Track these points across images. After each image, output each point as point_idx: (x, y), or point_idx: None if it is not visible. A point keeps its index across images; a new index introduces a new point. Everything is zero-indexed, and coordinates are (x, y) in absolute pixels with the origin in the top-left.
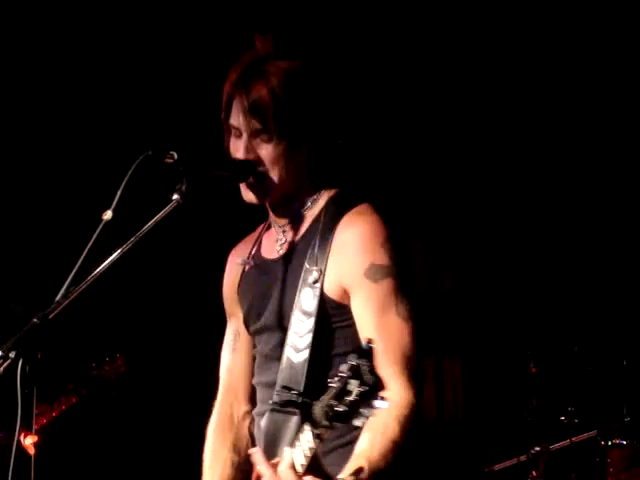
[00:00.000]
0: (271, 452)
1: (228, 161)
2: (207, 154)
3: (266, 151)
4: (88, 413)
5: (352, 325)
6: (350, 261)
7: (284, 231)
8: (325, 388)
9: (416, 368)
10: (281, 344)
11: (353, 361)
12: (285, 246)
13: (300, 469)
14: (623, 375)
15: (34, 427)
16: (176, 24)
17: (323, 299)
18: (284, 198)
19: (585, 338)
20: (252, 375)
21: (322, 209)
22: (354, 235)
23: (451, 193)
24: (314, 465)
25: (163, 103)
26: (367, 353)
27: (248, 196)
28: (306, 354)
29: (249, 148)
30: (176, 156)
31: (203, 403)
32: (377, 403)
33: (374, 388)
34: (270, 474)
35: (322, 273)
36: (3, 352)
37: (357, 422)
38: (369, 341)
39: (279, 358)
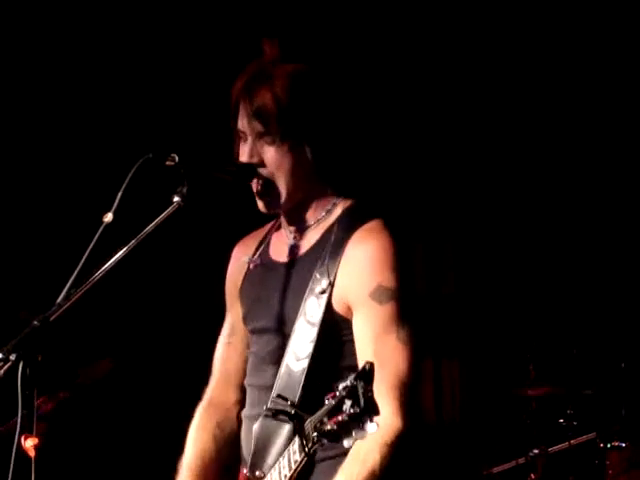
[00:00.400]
0: (260, 458)
1: (230, 164)
2: (208, 156)
3: (269, 154)
4: (87, 414)
5: (353, 340)
6: (358, 279)
7: (295, 237)
8: (320, 401)
9: (410, 394)
10: (280, 348)
11: (350, 381)
12: (295, 251)
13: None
14: (622, 377)
15: (35, 429)
16: (178, 26)
17: (328, 310)
18: (298, 205)
19: (584, 340)
20: (244, 369)
21: (336, 220)
22: (365, 253)
23: (451, 196)
24: (298, 478)
25: (164, 106)
26: (366, 375)
27: (260, 204)
28: (305, 363)
29: (253, 151)
30: (177, 158)
31: (194, 403)
32: (368, 427)
33: (367, 411)
34: None
35: (330, 285)
36: (4, 355)
37: (345, 443)
38: (370, 363)
39: (276, 363)
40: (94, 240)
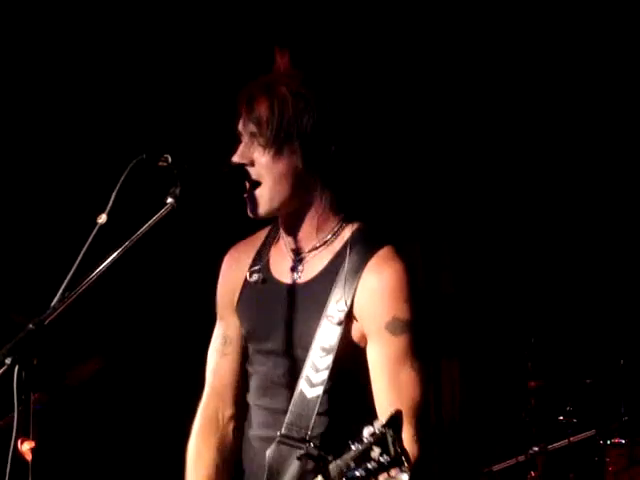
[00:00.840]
0: None
1: (222, 165)
2: (201, 157)
3: (260, 155)
4: (78, 415)
5: (366, 368)
6: (374, 310)
7: (301, 259)
8: (334, 428)
9: (425, 421)
10: (291, 372)
11: (378, 428)
12: (303, 275)
13: None
14: (621, 374)
15: (31, 432)
16: (172, 28)
17: (344, 338)
18: (297, 221)
19: (582, 337)
20: (240, 381)
21: (346, 245)
22: (380, 283)
23: (448, 196)
24: None
25: (157, 107)
26: (395, 423)
27: (249, 209)
28: (320, 390)
29: (245, 152)
30: (170, 159)
31: (188, 404)
32: (399, 476)
33: (398, 461)
34: None
35: (347, 313)
36: None
37: None
38: (398, 411)
39: (289, 387)
40: (88, 242)
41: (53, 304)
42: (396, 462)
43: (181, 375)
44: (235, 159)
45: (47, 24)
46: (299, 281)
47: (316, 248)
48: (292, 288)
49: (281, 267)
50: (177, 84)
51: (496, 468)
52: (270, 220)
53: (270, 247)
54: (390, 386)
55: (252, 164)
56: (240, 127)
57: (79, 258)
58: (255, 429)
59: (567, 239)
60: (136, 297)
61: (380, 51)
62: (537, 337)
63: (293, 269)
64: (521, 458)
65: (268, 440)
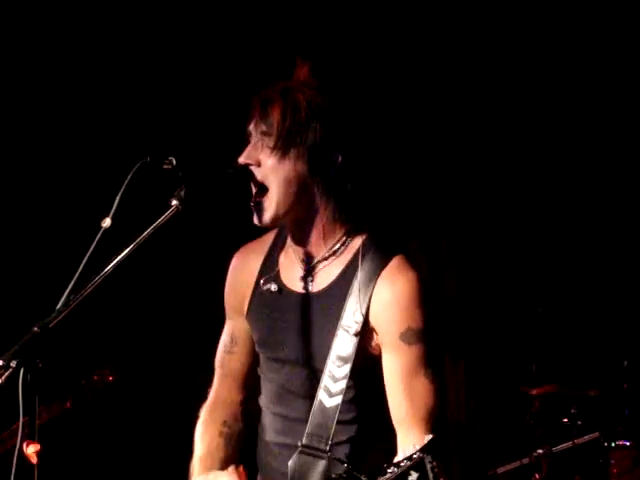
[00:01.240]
0: None
1: (227, 167)
2: (206, 159)
3: (266, 156)
4: (88, 422)
5: (382, 376)
6: (388, 321)
7: (312, 268)
8: (355, 436)
9: (439, 426)
10: (308, 382)
11: (416, 453)
12: (315, 285)
13: None
14: (624, 376)
15: (36, 436)
16: (176, 30)
17: (360, 348)
18: (304, 230)
19: (587, 340)
20: (247, 375)
21: (357, 254)
22: (394, 295)
23: (451, 198)
24: None
25: (162, 110)
26: (432, 449)
27: (255, 217)
28: (339, 399)
29: (252, 152)
30: (174, 162)
31: (194, 410)
32: None
33: None
34: None
35: (362, 324)
36: (4, 361)
37: None
38: (435, 438)
39: (306, 396)
40: (93, 245)
41: (58, 307)
42: None
43: (186, 378)
44: (241, 160)
45: (51, 28)
46: (312, 290)
47: (326, 258)
48: (305, 298)
49: (292, 276)
50: (182, 87)
51: (501, 470)
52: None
53: (279, 254)
54: (405, 395)
55: (258, 165)
56: (251, 127)
57: (84, 262)
58: (272, 435)
59: (570, 241)
60: (141, 300)
61: (384, 59)
62: (541, 340)
63: (304, 278)
64: (526, 460)
65: (286, 447)
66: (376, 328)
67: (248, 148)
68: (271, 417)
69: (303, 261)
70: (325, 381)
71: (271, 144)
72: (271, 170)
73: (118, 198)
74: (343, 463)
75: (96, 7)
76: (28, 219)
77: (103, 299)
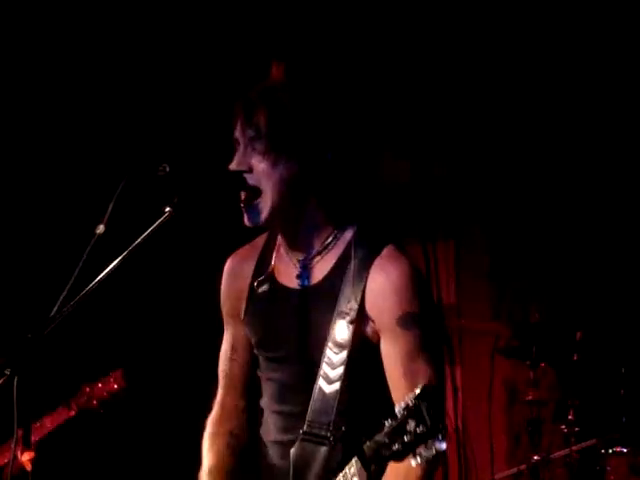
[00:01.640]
0: None
1: (219, 173)
2: (199, 166)
3: (258, 161)
4: (86, 427)
5: (381, 361)
6: (384, 308)
7: (304, 265)
8: (355, 420)
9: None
10: (308, 376)
11: (411, 401)
12: (309, 279)
13: None
14: (622, 383)
15: (31, 443)
16: (170, 38)
17: (357, 335)
18: (295, 227)
19: (584, 346)
20: (249, 378)
21: (349, 246)
22: (388, 281)
23: (452, 202)
24: None
25: (156, 116)
26: (427, 395)
27: (247, 218)
28: (338, 385)
29: (243, 158)
30: (168, 168)
31: (201, 417)
32: (438, 445)
33: (435, 430)
34: None
35: (358, 312)
36: None
37: (413, 462)
38: (430, 386)
39: (306, 389)
40: (86, 252)
41: (51, 315)
42: (433, 431)
43: (192, 384)
44: (233, 166)
45: (45, 34)
46: (307, 285)
47: (319, 253)
48: (301, 293)
49: (286, 274)
50: (175, 94)
51: (498, 477)
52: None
53: (271, 255)
54: (404, 379)
55: (250, 171)
56: (237, 134)
57: (77, 269)
58: (274, 435)
59: (568, 249)
60: (136, 305)
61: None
62: (539, 345)
63: (298, 275)
64: (523, 467)
65: (289, 444)
66: (372, 316)
67: (238, 155)
68: (273, 417)
69: (297, 258)
70: (324, 367)
71: (261, 148)
72: (264, 174)
73: (112, 205)
74: (345, 448)
75: (91, 17)
76: (22, 225)
77: (104, 305)
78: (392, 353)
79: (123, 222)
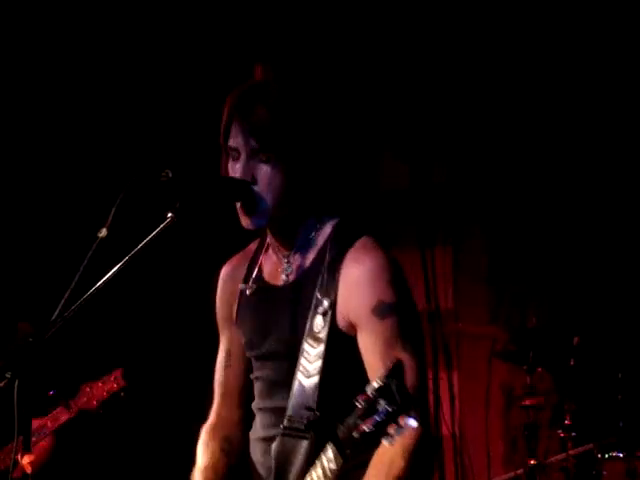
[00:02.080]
0: (282, 476)
1: (224, 179)
2: (202, 172)
3: (263, 171)
4: (85, 427)
5: (360, 354)
6: (358, 298)
7: (288, 261)
8: (335, 413)
9: (422, 402)
10: (291, 371)
11: (381, 381)
12: (292, 275)
13: None
14: (619, 388)
15: (31, 445)
16: (171, 43)
17: (333, 328)
18: (284, 224)
19: (581, 351)
20: (246, 388)
21: (327, 240)
22: (361, 272)
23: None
24: None
25: (159, 121)
26: (396, 373)
27: (245, 221)
28: (316, 379)
29: (246, 169)
30: (171, 174)
31: (199, 419)
32: (409, 422)
33: (405, 407)
34: None
35: (332, 305)
36: None
37: (385, 442)
38: (398, 362)
39: (288, 384)
40: (88, 256)
41: (53, 318)
42: (403, 408)
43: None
44: (237, 176)
45: (52, 39)
46: (288, 281)
47: (302, 247)
48: (283, 289)
49: (273, 272)
50: (179, 99)
51: None
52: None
53: (260, 256)
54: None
55: (255, 182)
56: (234, 143)
57: (79, 272)
58: (259, 431)
59: (566, 252)
60: (135, 306)
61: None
62: (535, 350)
63: (283, 272)
64: (519, 471)
65: (271, 440)
66: (347, 308)
67: (241, 163)
68: (259, 414)
69: (283, 254)
70: (302, 362)
71: (265, 158)
72: (268, 183)
73: (114, 209)
74: (325, 441)
75: (96, 23)
76: (25, 229)
77: (104, 307)
78: (369, 343)
79: (125, 227)
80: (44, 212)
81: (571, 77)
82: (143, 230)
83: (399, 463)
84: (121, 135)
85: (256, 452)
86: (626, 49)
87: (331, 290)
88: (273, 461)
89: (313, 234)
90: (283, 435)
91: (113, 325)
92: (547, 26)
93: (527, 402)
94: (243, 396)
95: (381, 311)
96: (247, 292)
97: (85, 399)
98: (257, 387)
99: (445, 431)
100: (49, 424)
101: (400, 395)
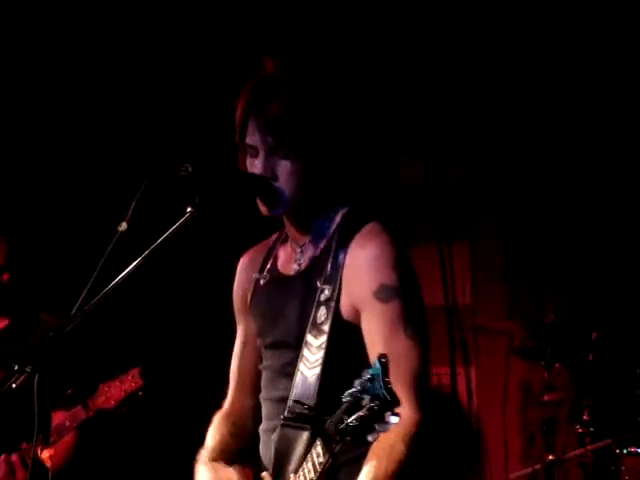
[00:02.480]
0: (281, 467)
1: (244, 175)
2: (222, 167)
3: (282, 167)
4: (104, 425)
5: (363, 344)
6: (361, 282)
7: (302, 250)
8: (337, 404)
9: (424, 387)
10: (294, 360)
11: (366, 376)
12: (303, 263)
13: None
14: (637, 383)
15: (51, 440)
16: (191, 39)
17: (337, 317)
18: (301, 215)
19: (599, 346)
20: (258, 377)
21: (335, 228)
22: (365, 256)
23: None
24: None
25: (178, 115)
26: (380, 368)
27: (264, 209)
28: (318, 370)
29: (266, 165)
30: (190, 169)
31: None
32: (390, 419)
33: (387, 403)
34: None
35: (335, 292)
36: (19, 366)
37: (370, 437)
38: (382, 356)
39: (291, 374)
40: (108, 250)
41: (73, 313)
42: (386, 404)
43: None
44: (258, 173)
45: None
46: (299, 270)
47: (315, 237)
48: (293, 278)
49: (287, 262)
50: (200, 95)
51: (512, 476)
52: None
53: (278, 247)
54: (387, 355)
55: (275, 178)
56: (252, 140)
57: (99, 266)
58: (264, 423)
59: (582, 247)
60: (159, 307)
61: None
62: (553, 346)
63: (295, 262)
64: (537, 467)
65: (274, 430)
66: (351, 293)
67: (260, 160)
68: (265, 405)
69: (298, 244)
70: (304, 352)
71: (283, 154)
72: (288, 179)
73: (134, 204)
74: (326, 433)
75: (115, 21)
76: (45, 223)
77: (122, 303)
78: (372, 328)
79: (145, 221)
80: (66, 206)
81: (587, 72)
82: (162, 224)
83: (399, 447)
84: (141, 130)
85: (262, 442)
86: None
87: (334, 278)
88: (273, 452)
89: (327, 224)
90: (283, 426)
91: (130, 322)
92: (559, 21)
93: (545, 398)
94: (256, 386)
95: (385, 294)
96: (261, 282)
97: (103, 398)
98: (264, 377)
99: (462, 425)
100: (67, 423)
101: (382, 391)
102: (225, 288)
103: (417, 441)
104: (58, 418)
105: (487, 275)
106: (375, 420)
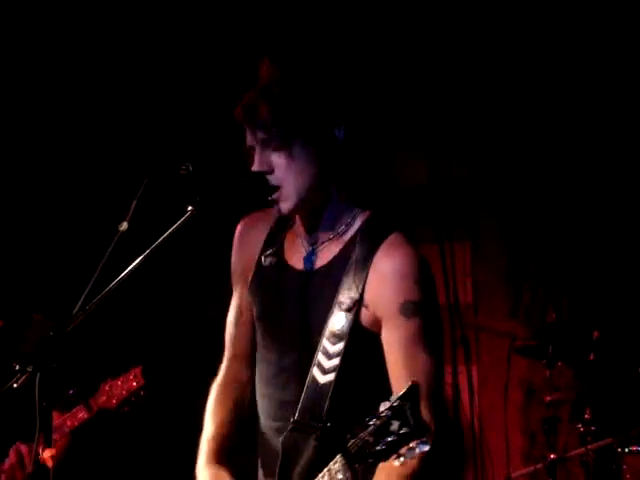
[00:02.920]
0: (287, 471)
1: (243, 173)
2: (222, 165)
3: (276, 159)
4: (104, 425)
5: (379, 353)
6: (386, 295)
7: (314, 248)
8: (348, 414)
9: (440, 401)
10: (302, 362)
11: (396, 401)
12: (316, 263)
13: None
14: (639, 382)
15: (52, 440)
16: (190, 39)
17: (356, 325)
18: (309, 209)
19: (601, 345)
20: (253, 345)
21: (356, 233)
22: (391, 269)
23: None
24: None
25: (179, 115)
26: (411, 396)
27: (276, 208)
28: (332, 377)
29: (262, 160)
30: (191, 167)
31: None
32: (421, 447)
33: (418, 431)
34: None
35: (358, 300)
36: (20, 366)
37: (396, 462)
38: (414, 384)
39: (299, 376)
40: (109, 249)
41: (74, 312)
42: (416, 433)
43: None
44: (255, 168)
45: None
46: (312, 269)
47: (330, 239)
48: (304, 275)
49: (294, 254)
50: (199, 94)
51: (514, 475)
52: None
53: (284, 231)
54: (405, 369)
55: (272, 171)
56: (249, 141)
57: (100, 266)
58: (267, 420)
59: (583, 247)
60: (159, 305)
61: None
62: (555, 345)
63: (306, 257)
64: (539, 466)
65: (278, 431)
66: (373, 304)
67: (257, 156)
68: (265, 401)
69: (308, 241)
70: (319, 357)
71: (276, 145)
72: (285, 170)
73: (135, 202)
74: (336, 440)
75: (117, 21)
76: (46, 223)
77: (123, 302)
78: (393, 342)
79: (146, 220)
80: (65, 206)
81: (595, 74)
82: (163, 224)
83: (413, 463)
84: (141, 130)
85: (262, 440)
86: None
87: (359, 285)
88: (280, 454)
89: (343, 227)
90: (292, 430)
91: (131, 321)
92: (564, 20)
93: (547, 397)
94: (252, 356)
95: (407, 310)
96: (265, 264)
97: (105, 398)
98: (263, 367)
99: (465, 424)
100: (68, 423)
101: (414, 418)
102: (226, 286)
103: (432, 457)
104: (59, 418)
105: (489, 274)
106: (404, 446)
